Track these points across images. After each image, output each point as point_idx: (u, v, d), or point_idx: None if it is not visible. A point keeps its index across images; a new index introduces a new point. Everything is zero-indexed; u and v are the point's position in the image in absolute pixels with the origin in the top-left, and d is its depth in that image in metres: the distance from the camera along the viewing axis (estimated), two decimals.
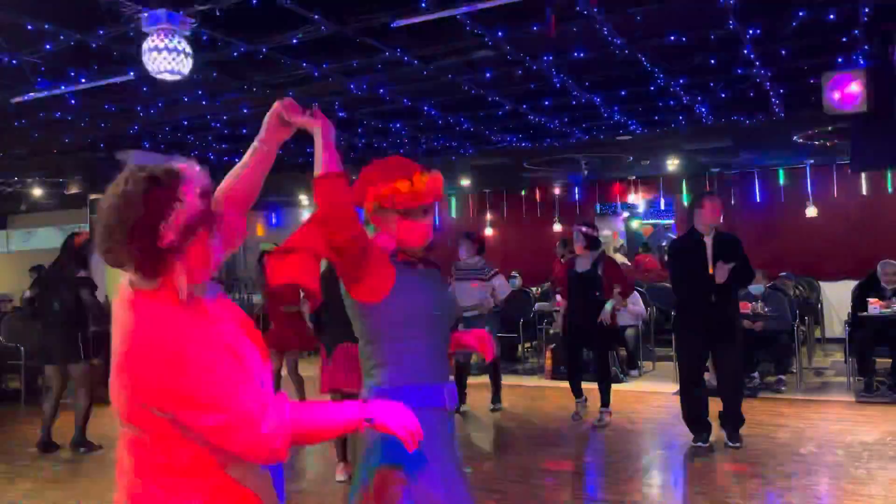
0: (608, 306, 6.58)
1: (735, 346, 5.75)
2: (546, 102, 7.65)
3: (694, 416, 5.81)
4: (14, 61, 5.63)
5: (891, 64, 5.91)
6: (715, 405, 5.81)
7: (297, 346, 7.28)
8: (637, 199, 13.33)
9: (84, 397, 6.50)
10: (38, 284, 6.89)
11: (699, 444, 5.75)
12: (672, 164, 11.42)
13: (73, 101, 6.79)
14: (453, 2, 4.79)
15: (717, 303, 5.58)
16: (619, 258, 13.71)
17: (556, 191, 13.83)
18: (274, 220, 16.19)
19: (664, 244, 13.65)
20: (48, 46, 5.35)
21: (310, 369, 8.77)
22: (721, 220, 5.81)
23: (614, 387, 8.42)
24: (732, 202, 12.04)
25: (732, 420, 5.73)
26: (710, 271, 5.56)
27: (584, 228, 6.82)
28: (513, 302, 8.61)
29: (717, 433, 5.81)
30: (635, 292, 9.63)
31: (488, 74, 6.54)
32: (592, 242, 6.77)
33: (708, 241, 5.73)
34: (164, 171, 1.56)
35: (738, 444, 5.66)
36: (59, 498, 5.10)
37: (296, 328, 6.97)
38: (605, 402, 6.75)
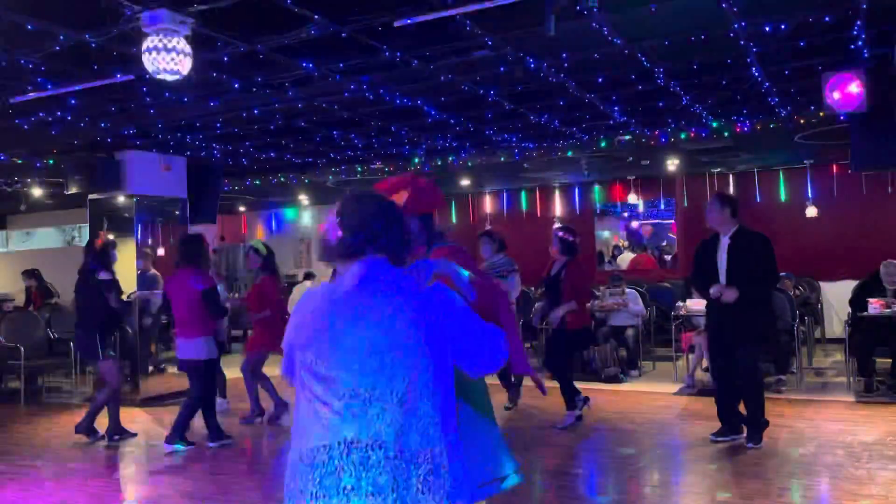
0: (560, 310, 6.61)
1: (748, 348, 5.68)
2: (546, 102, 7.65)
3: (719, 411, 5.85)
4: (14, 61, 5.63)
5: (891, 64, 5.91)
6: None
7: (272, 347, 7.35)
8: (637, 199, 13.33)
9: (105, 392, 6.60)
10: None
11: (714, 437, 5.78)
12: (672, 164, 11.42)
13: (73, 101, 6.79)
14: (453, 2, 4.79)
15: (730, 303, 5.57)
16: (628, 256, 13.70)
17: (556, 191, 13.84)
18: (274, 221, 16.20)
19: (665, 244, 13.67)
20: (48, 46, 5.34)
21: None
22: (721, 221, 5.76)
23: (615, 387, 8.47)
24: None
25: (751, 423, 5.70)
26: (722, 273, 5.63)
27: (560, 233, 6.83)
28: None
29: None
30: (635, 292, 9.64)
31: (488, 74, 6.54)
32: (567, 247, 6.77)
33: (724, 241, 5.73)
34: None
35: (751, 445, 5.62)
36: (58, 497, 5.10)
37: (271, 331, 6.98)
38: (567, 404, 6.68)
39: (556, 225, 6.97)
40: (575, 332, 6.83)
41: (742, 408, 5.81)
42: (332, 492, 1.84)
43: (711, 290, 5.67)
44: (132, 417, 7.63)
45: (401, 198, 2.58)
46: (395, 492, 1.83)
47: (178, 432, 6.17)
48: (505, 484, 2.63)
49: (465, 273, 2.17)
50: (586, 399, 6.87)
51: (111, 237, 7.26)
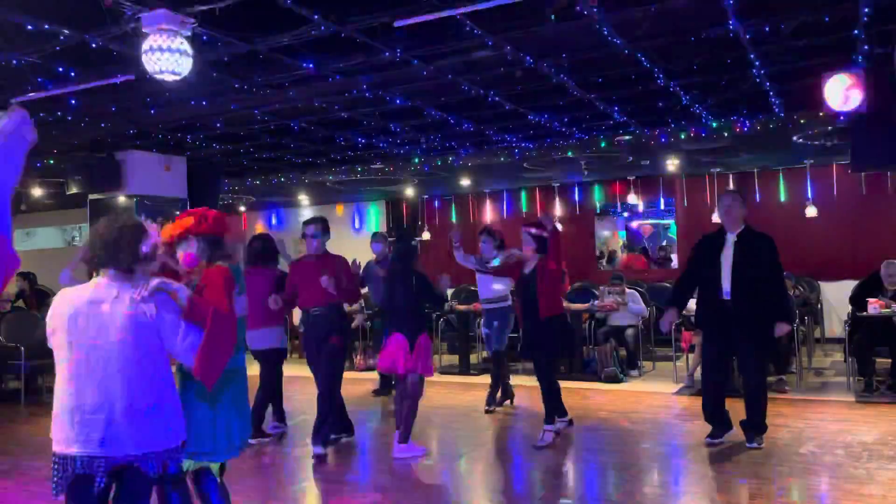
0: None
1: (754, 348, 5.63)
2: (546, 102, 7.65)
3: (709, 411, 5.80)
4: (14, 61, 5.63)
5: (891, 64, 5.91)
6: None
7: None
8: (637, 199, 13.33)
9: None
10: None
11: (710, 440, 5.73)
12: (672, 164, 11.41)
13: (73, 101, 6.79)
14: (453, 2, 4.79)
15: (733, 302, 5.53)
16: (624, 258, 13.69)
17: (556, 191, 13.84)
18: (274, 221, 16.18)
19: (665, 243, 13.68)
20: (48, 46, 5.35)
21: None
22: (737, 219, 5.72)
23: (615, 387, 8.46)
24: None
25: (751, 428, 5.66)
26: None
27: (534, 230, 6.00)
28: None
29: (736, 434, 5.79)
30: (635, 292, 9.64)
31: (488, 74, 6.54)
32: (543, 245, 5.94)
33: (731, 239, 5.69)
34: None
35: (754, 445, 5.58)
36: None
37: None
38: (549, 417, 6.02)
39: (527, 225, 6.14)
40: (550, 319, 5.96)
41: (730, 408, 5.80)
42: (81, 438, 2.64)
43: (662, 327, 6.04)
44: None
45: (187, 223, 3.35)
46: (101, 437, 2.64)
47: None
48: (211, 458, 3.42)
49: (185, 290, 2.88)
50: (570, 421, 6.42)
51: None
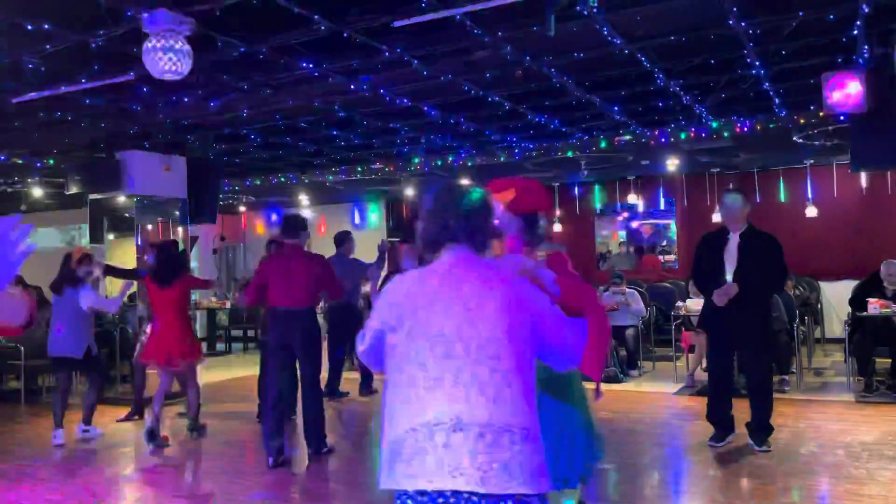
0: None
1: (759, 350, 5.60)
2: (546, 102, 7.65)
3: (713, 414, 5.77)
4: (14, 61, 5.63)
5: (891, 64, 5.91)
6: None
7: None
8: (637, 199, 13.33)
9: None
10: None
11: (714, 443, 5.69)
12: (672, 164, 11.41)
13: (73, 101, 6.79)
14: (453, 2, 4.80)
15: (738, 303, 5.47)
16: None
17: (556, 191, 13.83)
18: (275, 220, 16.18)
19: (664, 244, 13.69)
20: (48, 46, 5.35)
21: None
22: (740, 218, 5.67)
23: (614, 387, 8.45)
24: None
25: (758, 430, 5.62)
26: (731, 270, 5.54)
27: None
28: None
29: (738, 434, 5.77)
30: (635, 291, 9.63)
31: (488, 74, 6.54)
32: None
33: (734, 238, 5.64)
34: None
35: (763, 449, 5.52)
36: (59, 497, 5.10)
37: None
38: None
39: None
40: None
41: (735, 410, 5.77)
42: (419, 471, 1.92)
43: (716, 298, 5.47)
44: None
45: (506, 196, 2.65)
46: (473, 467, 1.89)
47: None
48: (568, 485, 2.58)
49: (550, 273, 2.31)
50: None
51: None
